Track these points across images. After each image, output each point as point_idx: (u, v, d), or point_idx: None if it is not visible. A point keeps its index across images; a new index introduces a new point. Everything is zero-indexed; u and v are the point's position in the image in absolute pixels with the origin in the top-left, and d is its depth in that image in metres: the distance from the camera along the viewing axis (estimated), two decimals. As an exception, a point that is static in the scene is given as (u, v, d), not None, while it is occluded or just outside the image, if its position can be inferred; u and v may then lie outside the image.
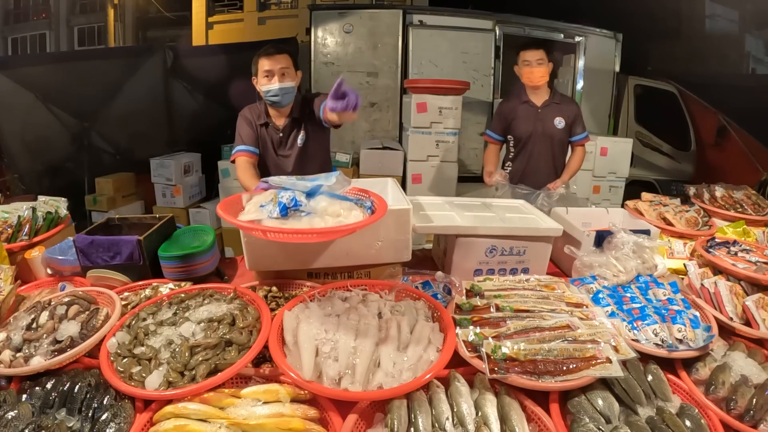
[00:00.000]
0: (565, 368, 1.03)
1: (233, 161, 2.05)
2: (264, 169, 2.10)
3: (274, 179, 1.26)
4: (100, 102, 4.49)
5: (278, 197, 1.17)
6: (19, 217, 1.75)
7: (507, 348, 1.06)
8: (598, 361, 1.04)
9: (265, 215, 1.15)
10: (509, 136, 2.61)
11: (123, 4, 8.90)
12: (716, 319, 1.30)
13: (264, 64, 1.95)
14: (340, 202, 1.17)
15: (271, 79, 1.94)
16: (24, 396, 1.01)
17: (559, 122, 2.50)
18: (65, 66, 4.42)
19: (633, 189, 4.45)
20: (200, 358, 1.04)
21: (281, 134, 2.08)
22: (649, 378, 1.09)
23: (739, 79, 5.26)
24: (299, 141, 2.08)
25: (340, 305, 1.22)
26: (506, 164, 2.68)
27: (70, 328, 1.14)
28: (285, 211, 1.14)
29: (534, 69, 2.40)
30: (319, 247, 1.45)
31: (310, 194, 1.20)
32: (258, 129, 2.07)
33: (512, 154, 2.64)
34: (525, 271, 1.62)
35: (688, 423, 0.98)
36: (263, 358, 1.13)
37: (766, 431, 0.98)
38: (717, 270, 1.51)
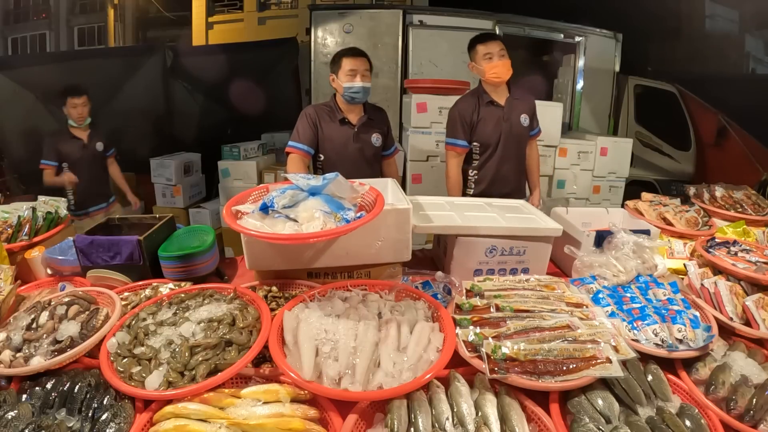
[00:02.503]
0: (565, 368, 1.03)
1: (287, 153, 2.18)
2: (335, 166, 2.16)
3: (289, 175, 1.33)
4: (99, 102, 4.49)
5: (267, 196, 1.25)
6: (19, 217, 1.75)
7: (507, 348, 1.06)
8: (598, 361, 1.04)
9: (250, 210, 1.24)
10: (474, 143, 2.34)
11: (123, 4, 8.91)
12: (716, 319, 1.30)
13: (348, 63, 2.11)
14: (318, 210, 1.19)
15: (354, 78, 2.11)
16: (24, 396, 1.01)
17: (525, 119, 2.31)
18: (65, 66, 4.43)
19: (633, 189, 4.44)
20: (200, 358, 1.04)
21: (356, 130, 2.23)
22: (649, 378, 1.09)
23: (739, 79, 5.27)
24: (374, 140, 2.27)
25: (340, 305, 1.22)
26: (470, 173, 2.41)
27: (70, 328, 1.14)
28: (265, 210, 1.22)
29: (498, 62, 2.17)
30: (319, 247, 1.45)
31: (313, 193, 1.25)
32: (322, 128, 2.18)
33: (476, 161, 2.37)
34: (525, 271, 1.62)
35: (688, 423, 0.98)
36: (263, 358, 1.13)
37: (766, 431, 0.98)
38: (717, 270, 1.51)
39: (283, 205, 1.20)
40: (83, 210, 3.15)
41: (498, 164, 2.33)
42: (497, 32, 4.75)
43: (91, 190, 3.13)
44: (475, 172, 2.40)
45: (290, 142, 2.17)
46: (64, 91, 2.99)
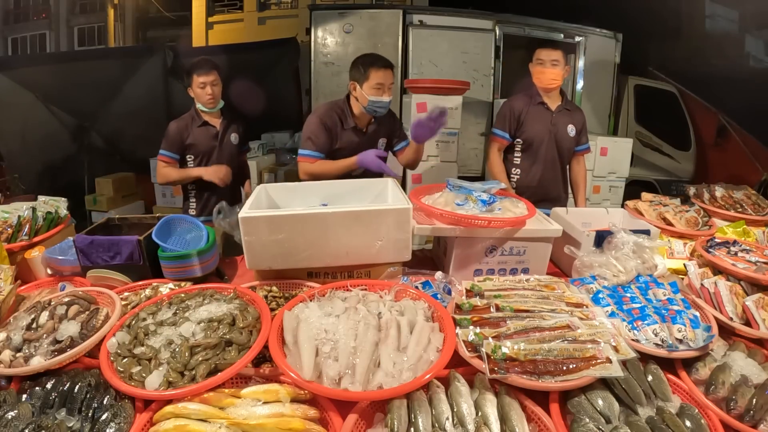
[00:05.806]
0: (565, 368, 1.03)
1: (299, 161, 2.09)
2: None
3: (453, 180, 1.69)
4: (100, 102, 4.50)
5: (474, 197, 1.60)
6: (19, 217, 1.75)
7: (507, 348, 1.06)
8: (598, 361, 1.04)
9: (469, 209, 1.54)
10: (517, 140, 2.41)
11: (123, 4, 8.92)
12: (716, 319, 1.30)
13: (377, 76, 1.99)
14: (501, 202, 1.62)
15: (381, 92, 2.01)
16: (24, 396, 1.01)
17: (572, 130, 2.37)
18: (65, 66, 4.44)
19: (633, 189, 4.44)
20: (200, 358, 1.04)
21: (366, 136, 2.17)
22: (649, 378, 1.09)
23: (739, 79, 5.26)
24: (380, 145, 2.22)
25: (340, 305, 1.22)
26: (513, 171, 2.46)
27: (70, 328, 1.14)
28: (486, 205, 1.56)
29: (546, 70, 2.26)
30: (320, 246, 1.45)
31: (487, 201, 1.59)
32: (335, 135, 2.10)
33: (518, 159, 2.44)
34: (525, 271, 1.62)
35: (688, 423, 0.98)
36: (263, 358, 1.13)
37: (766, 431, 0.98)
38: (717, 270, 1.51)
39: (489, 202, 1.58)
40: (206, 217, 2.22)
41: (543, 167, 2.38)
42: (497, 32, 4.76)
43: (222, 191, 2.31)
44: (517, 170, 2.47)
45: (304, 151, 2.04)
46: (189, 70, 2.29)
